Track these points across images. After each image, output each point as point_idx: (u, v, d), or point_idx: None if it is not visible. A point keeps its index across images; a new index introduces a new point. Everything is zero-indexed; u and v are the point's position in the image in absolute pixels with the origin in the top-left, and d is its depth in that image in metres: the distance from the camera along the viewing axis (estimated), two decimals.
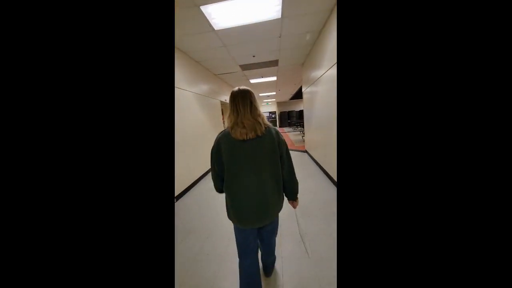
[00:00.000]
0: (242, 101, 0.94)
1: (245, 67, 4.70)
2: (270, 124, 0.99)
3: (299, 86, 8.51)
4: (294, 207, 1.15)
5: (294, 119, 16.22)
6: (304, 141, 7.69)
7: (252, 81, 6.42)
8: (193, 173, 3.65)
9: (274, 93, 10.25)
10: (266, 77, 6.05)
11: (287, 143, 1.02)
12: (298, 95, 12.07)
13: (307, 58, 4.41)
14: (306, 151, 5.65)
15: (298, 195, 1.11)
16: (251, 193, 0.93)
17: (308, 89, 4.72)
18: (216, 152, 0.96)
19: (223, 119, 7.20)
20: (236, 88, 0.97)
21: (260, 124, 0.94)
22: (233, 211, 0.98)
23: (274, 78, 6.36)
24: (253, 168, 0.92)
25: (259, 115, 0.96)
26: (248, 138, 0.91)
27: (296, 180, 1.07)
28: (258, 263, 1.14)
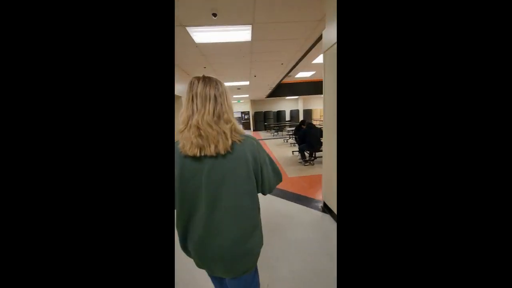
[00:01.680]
0: (202, 92, 0.61)
1: None
2: (244, 134, 0.65)
3: (286, 72, 5.10)
4: None
5: (271, 121, 13.72)
6: (304, 159, 4.30)
7: (194, 32, 2.76)
8: None
9: (248, 82, 6.65)
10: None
11: None
12: (277, 91, 8.89)
13: None
14: (324, 208, 2.26)
15: None
16: (212, 238, 0.64)
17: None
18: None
19: None
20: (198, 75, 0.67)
21: (226, 136, 0.60)
22: (193, 252, 0.71)
23: (248, 31, 2.81)
24: (213, 203, 0.62)
25: (228, 120, 0.62)
26: (203, 155, 0.59)
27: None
28: None
